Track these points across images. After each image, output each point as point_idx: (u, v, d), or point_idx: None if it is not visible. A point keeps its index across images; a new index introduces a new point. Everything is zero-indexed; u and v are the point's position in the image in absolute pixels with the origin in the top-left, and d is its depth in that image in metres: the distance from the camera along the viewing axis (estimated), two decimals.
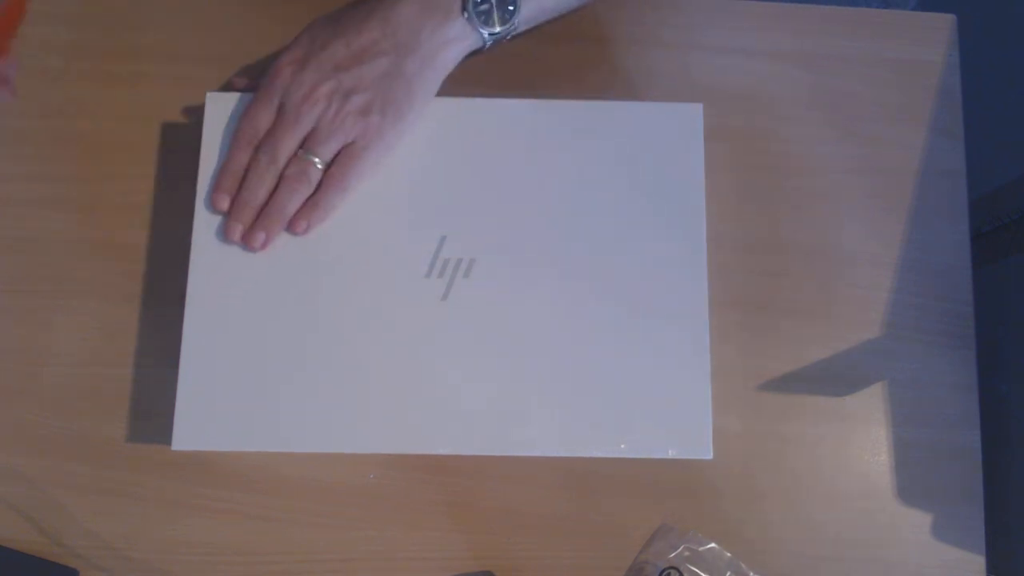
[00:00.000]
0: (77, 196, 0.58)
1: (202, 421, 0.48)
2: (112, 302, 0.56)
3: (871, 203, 0.58)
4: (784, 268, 0.57)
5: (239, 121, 0.51)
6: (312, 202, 0.51)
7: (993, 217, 0.81)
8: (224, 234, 0.50)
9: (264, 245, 0.50)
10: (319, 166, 0.50)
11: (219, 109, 0.52)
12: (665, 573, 0.49)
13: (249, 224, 0.50)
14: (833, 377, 0.56)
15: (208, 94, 0.52)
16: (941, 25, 0.62)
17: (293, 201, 0.50)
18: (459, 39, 0.51)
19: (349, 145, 0.51)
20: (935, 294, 0.57)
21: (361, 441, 0.48)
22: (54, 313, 0.56)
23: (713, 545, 0.51)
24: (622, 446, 0.48)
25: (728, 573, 0.51)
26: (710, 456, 0.48)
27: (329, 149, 0.50)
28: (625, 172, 0.51)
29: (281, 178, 0.50)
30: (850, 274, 0.57)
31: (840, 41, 0.61)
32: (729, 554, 0.51)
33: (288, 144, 0.50)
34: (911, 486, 0.54)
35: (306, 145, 0.51)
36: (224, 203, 0.51)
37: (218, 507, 0.53)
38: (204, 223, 0.51)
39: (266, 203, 0.51)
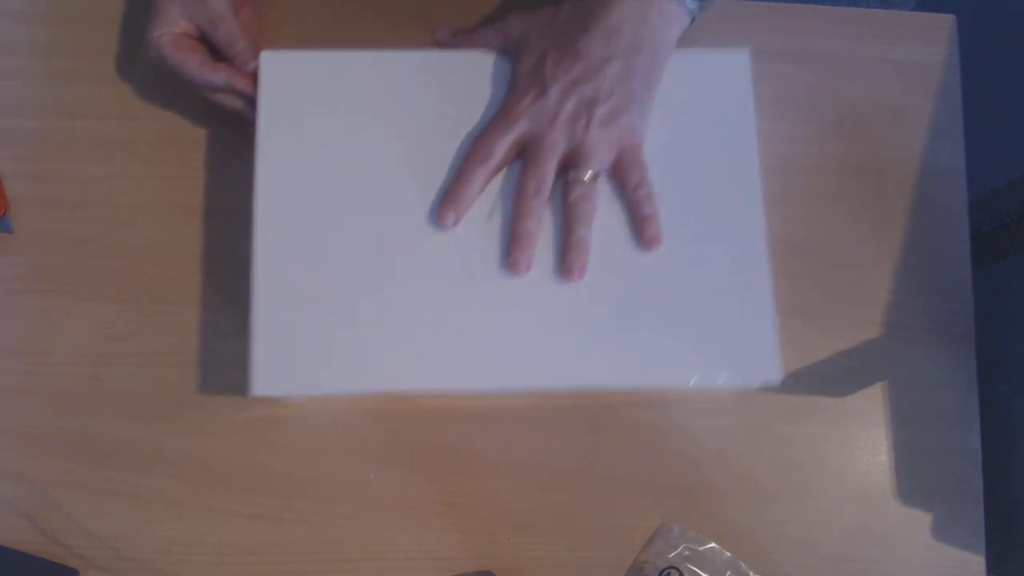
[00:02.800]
0: (77, 196, 0.58)
1: (279, 366, 0.48)
2: (112, 302, 0.56)
3: (871, 203, 0.58)
4: (784, 268, 0.57)
5: (473, 148, 0.51)
6: (644, 226, 0.50)
7: (993, 217, 0.81)
8: (509, 269, 0.50)
9: (583, 275, 0.50)
10: (594, 182, 0.50)
11: (274, 68, 0.52)
12: (665, 573, 0.49)
13: (531, 256, 0.50)
14: (833, 377, 0.56)
15: (263, 53, 0.52)
16: (941, 25, 0.62)
17: (591, 225, 0.50)
18: (675, 20, 0.52)
19: (622, 153, 0.51)
20: (935, 294, 0.57)
21: (437, 378, 0.48)
22: (54, 313, 0.56)
23: (713, 545, 0.51)
24: (688, 380, 0.49)
25: (728, 573, 0.51)
26: (779, 379, 0.49)
27: (601, 160, 0.50)
28: (673, 115, 0.52)
29: (569, 207, 0.50)
30: (850, 274, 0.57)
31: (840, 41, 0.61)
32: (729, 554, 0.51)
33: (551, 169, 0.50)
34: (911, 486, 0.54)
35: (575, 165, 0.50)
36: (451, 220, 0.50)
37: (218, 507, 0.53)
38: (266, 174, 0.50)
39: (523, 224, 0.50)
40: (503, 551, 0.53)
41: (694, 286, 0.50)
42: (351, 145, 0.51)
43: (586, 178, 0.50)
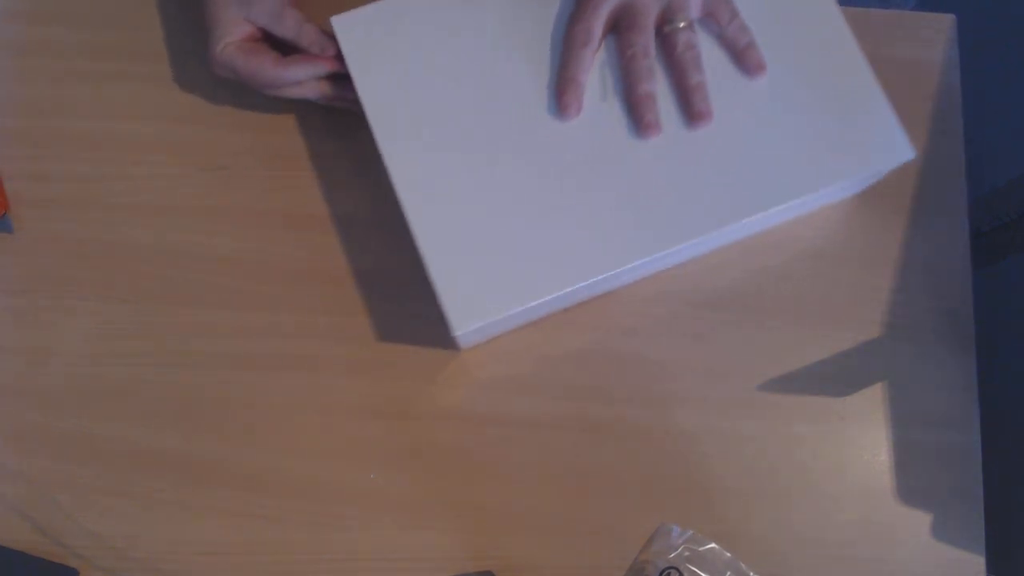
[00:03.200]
0: (77, 196, 0.58)
1: (467, 300, 0.49)
2: (112, 302, 0.56)
3: (870, 203, 0.58)
4: (784, 268, 0.57)
5: (570, 32, 0.51)
6: (746, 55, 0.52)
7: (993, 217, 0.81)
8: (644, 134, 0.51)
9: (711, 119, 0.51)
10: (691, 29, 0.52)
11: (350, 29, 0.52)
12: (665, 573, 0.49)
13: (659, 113, 0.51)
14: (833, 377, 0.56)
15: (332, 19, 0.52)
16: (941, 25, 0.62)
17: (703, 68, 0.52)
18: None
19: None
20: (935, 294, 0.57)
21: (612, 259, 0.49)
22: (54, 313, 0.56)
23: (713, 545, 0.51)
24: (834, 182, 0.51)
25: (728, 573, 0.51)
26: (913, 153, 0.51)
27: (694, 6, 0.52)
28: None
29: (678, 58, 0.51)
30: (850, 274, 0.57)
31: None
32: (729, 554, 0.51)
33: (652, 28, 0.52)
34: (911, 486, 0.54)
35: (669, 20, 0.52)
36: (574, 108, 0.51)
37: (218, 507, 0.53)
38: (384, 130, 0.51)
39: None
40: (503, 551, 0.53)
41: (805, 101, 0.52)
42: (450, 73, 0.52)
43: (682, 26, 0.51)
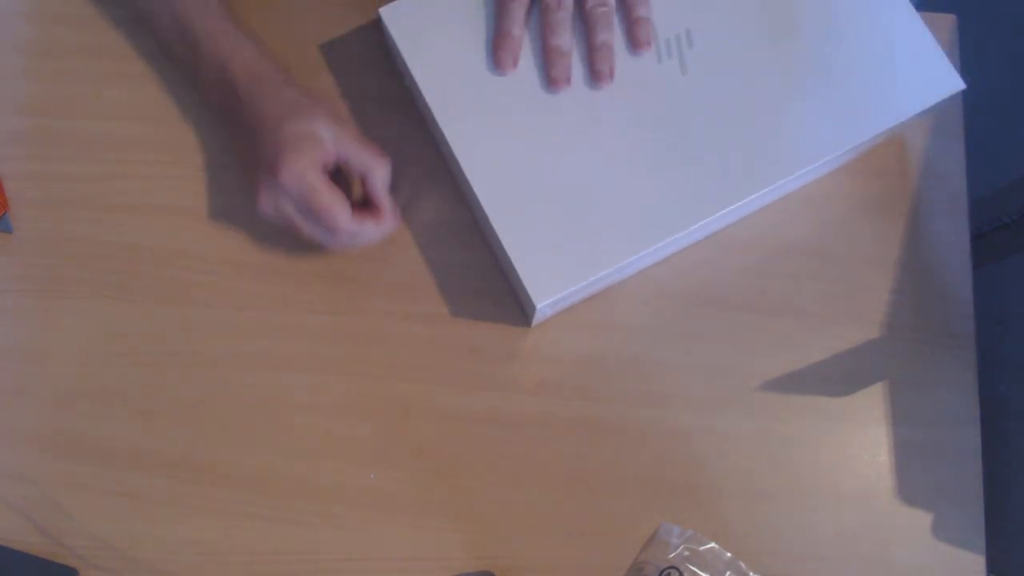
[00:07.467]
0: (77, 196, 0.58)
1: (545, 274, 0.49)
2: (112, 302, 0.56)
3: (871, 203, 0.58)
4: (784, 268, 0.57)
5: None
6: (636, 26, 0.52)
7: (993, 217, 0.81)
8: (552, 87, 0.52)
9: (612, 77, 0.52)
10: None
11: (398, 17, 0.53)
12: (665, 573, 0.49)
13: (568, 68, 0.51)
14: (833, 377, 0.56)
15: (381, 10, 0.52)
16: (941, 25, 0.62)
17: (610, 30, 0.52)
18: None
19: None
20: (935, 294, 0.57)
21: (683, 218, 0.50)
22: (54, 313, 0.56)
23: (713, 545, 0.51)
24: (889, 120, 0.52)
25: (728, 573, 0.51)
26: (963, 84, 0.52)
27: None
28: None
29: (585, 15, 0.51)
30: (850, 274, 0.57)
31: None
32: (729, 554, 0.51)
33: None
34: (911, 486, 0.54)
35: None
36: (510, 65, 0.51)
37: (218, 507, 0.53)
38: (445, 112, 0.52)
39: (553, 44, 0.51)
40: (503, 551, 0.53)
41: (852, 46, 0.53)
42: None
43: None
